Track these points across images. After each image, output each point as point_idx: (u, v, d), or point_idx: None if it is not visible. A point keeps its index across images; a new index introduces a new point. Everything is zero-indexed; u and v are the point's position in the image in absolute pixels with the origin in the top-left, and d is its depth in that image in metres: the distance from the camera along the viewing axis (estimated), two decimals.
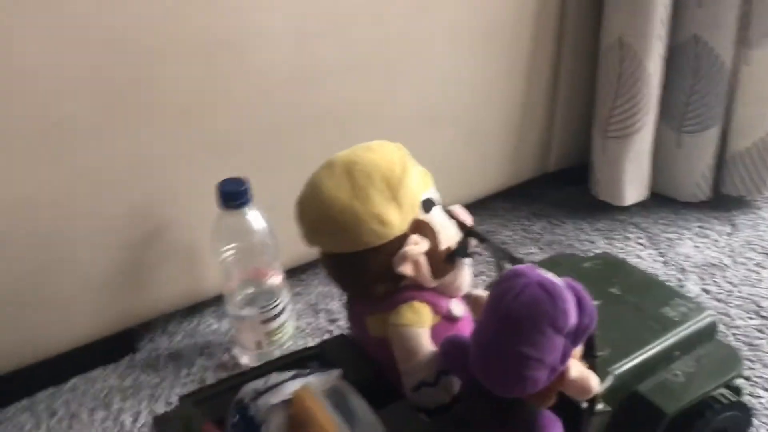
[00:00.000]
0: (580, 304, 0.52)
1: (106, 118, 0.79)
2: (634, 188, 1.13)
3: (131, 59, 0.78)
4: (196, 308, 1.00)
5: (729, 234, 1.09)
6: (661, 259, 1.05)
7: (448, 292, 0.64)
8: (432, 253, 0.61)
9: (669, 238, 1.09)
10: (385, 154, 0.61)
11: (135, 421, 0.83)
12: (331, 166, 0.61)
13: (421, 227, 0.61)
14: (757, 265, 1.02)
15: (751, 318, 0.92)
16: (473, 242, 0.64)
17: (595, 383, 0.52)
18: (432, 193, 0.64)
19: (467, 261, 0.64)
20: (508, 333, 0.51)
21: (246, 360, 0.90)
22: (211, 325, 0.98)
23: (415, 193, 0.61)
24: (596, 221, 1.15)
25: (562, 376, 0.53)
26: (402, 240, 0.60)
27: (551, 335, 0.50)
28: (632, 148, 1.09)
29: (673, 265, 1.03)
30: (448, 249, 0.62)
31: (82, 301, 0.86)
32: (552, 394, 0.55)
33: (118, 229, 0.85)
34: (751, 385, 0.82)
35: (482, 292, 0.57)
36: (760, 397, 0.81)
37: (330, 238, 0.60)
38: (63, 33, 0.73)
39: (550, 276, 0.52)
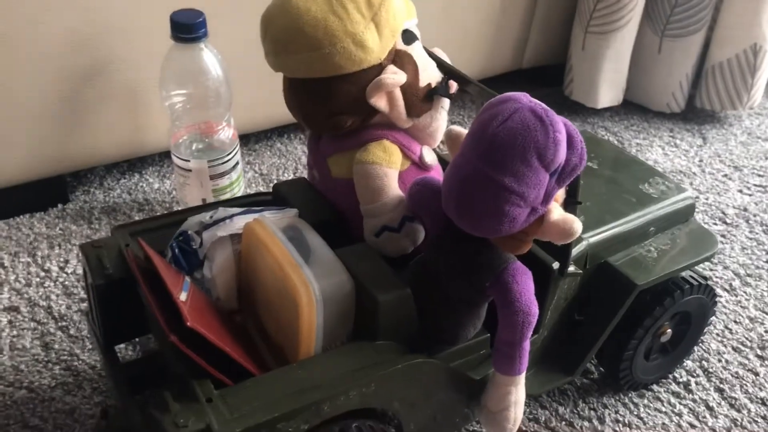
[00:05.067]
0: (570, 141, 0.48)
1: None
2: (609, 90, 1.08)
3: None
4: (137, 164, 0.93)
5: (699, 146, 1.06)
6: None
7: (421, 137, 0.58)
8: (409, 89, 0.55)
9: (639, 144, 1.06)
10: None
11: (63, 268, 0.76)
12: None
13: (400, 58, 0.55)
14: (725, 176, 0.99)
15: (715, 224, 0.90)
16: (454, 84, 0.58)
17: (578, 227, 0.48)
18: (414, 27, 0.57)
19: (446, 104, 0.58)
20: (490, 161, 0.46)
21: None
22: (152, 184, 0.90)
23: (397, 18, 0.54)
24: None
25: (541, 221, 0.49)
26: (378, 71, 0.54)
27: (537, 168, 0.46)
28: (612, 46, 1.04)
29: None
30: (428, 86, 0.57)
31: (12, 138, 0.78)
32: (528, 240, 0.50)
33: (57, 59, 0.76)
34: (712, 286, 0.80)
35: (463, 129, 0.51)
36: (719, 296, 0.79)
37: (298, 58, 0.53)
38: None
39: (544, 105, 0.47)
